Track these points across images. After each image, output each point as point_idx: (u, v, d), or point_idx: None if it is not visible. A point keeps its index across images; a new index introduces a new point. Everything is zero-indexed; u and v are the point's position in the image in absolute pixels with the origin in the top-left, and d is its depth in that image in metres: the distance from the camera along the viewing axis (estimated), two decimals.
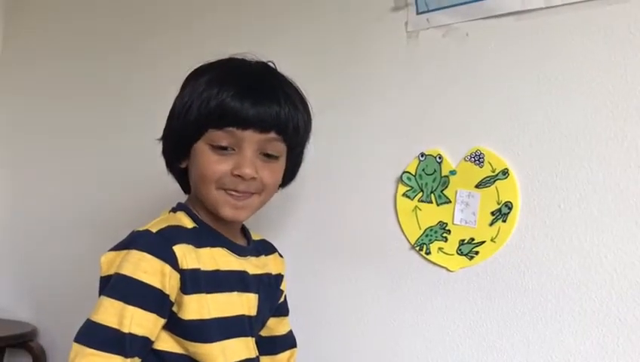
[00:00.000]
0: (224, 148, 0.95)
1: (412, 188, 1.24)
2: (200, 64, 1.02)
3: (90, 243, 1.62)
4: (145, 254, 0.89)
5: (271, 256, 1.14)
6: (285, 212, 1.39)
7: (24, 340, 1.80)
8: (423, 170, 1.23)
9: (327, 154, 1.35)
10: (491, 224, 1.16)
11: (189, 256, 0.93)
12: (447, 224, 1.21)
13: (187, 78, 1.01)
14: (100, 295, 0.90)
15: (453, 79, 1.22)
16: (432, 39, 1.25)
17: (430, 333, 1.22)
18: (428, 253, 1.22)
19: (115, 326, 0.87)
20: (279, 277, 1.14)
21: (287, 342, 1.17)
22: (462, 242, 1.19)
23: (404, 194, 1.25)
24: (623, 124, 1.06)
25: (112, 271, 0.90)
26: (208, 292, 0.95)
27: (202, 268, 0.95)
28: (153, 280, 0.89)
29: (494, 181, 1.16)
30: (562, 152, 1.11)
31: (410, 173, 1.24)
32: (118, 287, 0.88)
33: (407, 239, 1.25)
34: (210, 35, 1.56)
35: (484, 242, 1.16)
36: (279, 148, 0.99)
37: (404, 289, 1.25)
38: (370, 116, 1.31)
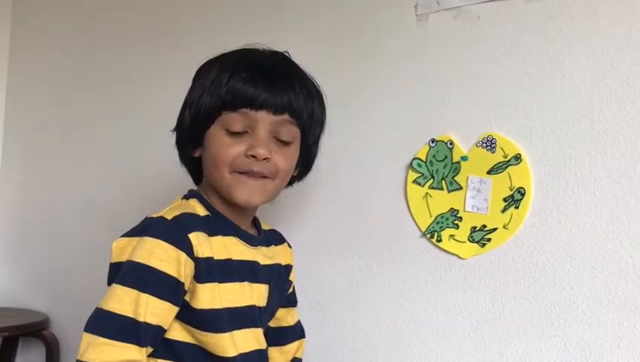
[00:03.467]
0: (238, 133, 0.95)
1: (422, 174, 1.22)
2: (209, 55, 1.02)
3: (104, 233, 1.62)
4: (160, 241, 0.88)
5: (280, 247, 1.13)
6: (295, 199, 1.38)
7: (37, 329, 1.82)
8: (434, 156, 1.21)
9: (337, 141, 1.33)
10: (503, 211, 1.14)
11: (203, 244, 0.92)
12: (458, 211, 1.18)
13: (198, 71, 1.01)
14: (109, 282, 0.89)
15: (465, 63, 1.19)
16: (442, 22, 1.22)
17: (442, 322, 1.20)
18: (439, 241, 1.20)
19: (130, 314, 0.85)
20: (288, 268, 1.14)
21: (295, 332, 1.16)
22: (473, 229, 1.17)
23: (414, 181, 1.23)
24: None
25: (123, 258, 0.89)
26: (221, 281, 0.94)
27: (215, 257, 0.93)
28: (169, 268, 0.88)
29: (507, 167, 1.14)
30: (576, 137, 1.08)
31: (420, 159, 1.22)
32: (133, 275, 0.87)
33: (418, 226, 1.23)
34: (219, 26, 1.55)
35: (496, 229, 1.14)
36: (293, 132, 0.98)
37: (414, 277, 1.23)
38: (380, 101, 1.29)
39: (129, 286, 0.86)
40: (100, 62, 1.83)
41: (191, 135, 0.99)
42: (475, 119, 1.18)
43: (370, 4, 1.31)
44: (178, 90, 1.04)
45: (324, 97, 1.04)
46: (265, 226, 1.11)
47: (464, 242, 1.18)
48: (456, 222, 1.19)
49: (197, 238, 0.91)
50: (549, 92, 1.11)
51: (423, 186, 1.22)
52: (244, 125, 0.94)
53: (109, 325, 0.85)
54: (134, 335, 0.85)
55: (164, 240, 0.88)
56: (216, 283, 0.93)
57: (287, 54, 1.03)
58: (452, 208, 1.19)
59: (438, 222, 1.21)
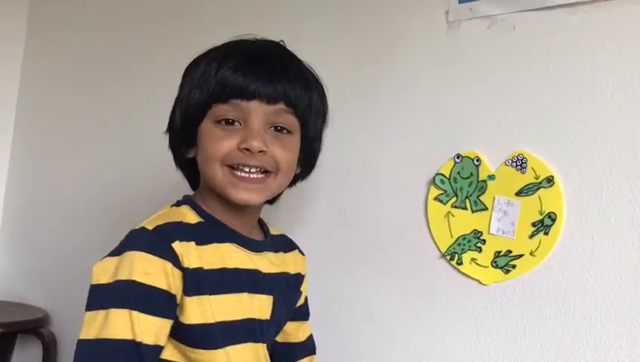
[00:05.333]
0: (230, 123, 0.88)
1: (445, 191, 1.15)
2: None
3: (104, 230, 1.59)
4: (143, 254, 0.81)
5: (291, 254, 1.05)
6: (308, 213, 1.31)
7: (35, 326, 1.77)
8: (459, 172, 1.13)
9: (355, 152, 1.26)
10: (531, 236, 1.06)
11: (190, 253, 0.85)
12: (482, 233, 1.11)
13: (187, 67, 0.95)
14: (88, 307, 0.81)
15: (497, 75, 1.12)
16: (474, 31, 1.15)
17: (458, 351, 1.12)
18: (459, 264, 1.12)
19: (129, 337, 0.78)
20: (299, 277, 1.05)
21: (305, 348, 1.08)
22: (498, 254, 1.09)
23: (436, 198, 1.15)
24: None
25: (104, 280, 0.82)
26: (212, 293, 0.87)
27: (205, 267, 0.86)
28: (157, 281, 0.81)
29: (537, 189, 1.06)
30: (615, 161, 1.00)
31: (444, 175, 1.15)
32: (120, 294, 0.80)
33: (438, 247, 1.15)
34: (228, 18, 1.50)
35: (522, 255, 1.06)
36: (291, 121, 0.91)
37: (432, 300, 1.16)
38: (403, 111, 1.21)
39: (117, 308, 0.79)
40: (110, 65, 1.81)
41: (183, 134, 0.93)
42: (505, 136, 1.10)
43: (399, 7, 1.24)
44: None
45: (324, 88, 0.97)
46: (274, 231, 1.03)
47: (487, 267, 1.10)
48: (479, 244, 1.11)
49: (182, 248, 0.84)
50: (587, 111, 1.03)
51: (445, 204, 1.15)
52: (235, 116, 0.88)
53: (108, 355, 0.78)
54: (138, 360, 0.79)
55: (147, 252, 0.81)
56: (207, 296, 0.86)
57: (282, 43, 0.96)
58: (475, 229, 1.11)
59: (459, 244, 1.13)
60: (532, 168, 1.06)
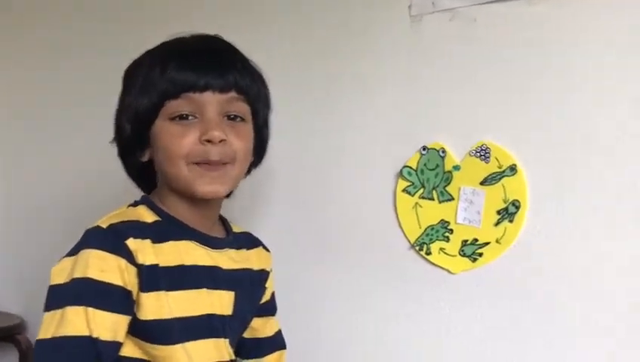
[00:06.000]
0: (185, 118, 0.88)
1: (413, 183, 1.16)
2: None
3: (81, 233, 1.57)
4: (97, 251, 0.82)
5: (254, 250, 1.05)
6: (276, 209, 1.32)
7: (11, 333, 1.75)
8: (425, 164, 1.15)
9: (322, 147, 1.27)
10: (497, 224, 1.08)
11: (145, 250, 0.85)
12: (449, 223, 1.12)
13: (126, 75, 0.95)
14: (46, 307, 0.81)
15: (459, 67, 1.13)
16: (437, 24, 1.16)
17: (430, 340, 1.14)
18: (428, 254, 1.14)
19: (85, 333, 0.79)
20: (263, 274, 1.05)
21: (274, 343, 1.09)
22: (465, 243, 1.11)
23: (404, 190, 1.17)
24: None
25: (61, 280, 0.82)
26: (169, 289, 0.87)
27: (162, 264, 0.87)
28: (112, 278, 0.82)
29: (501, 178, 1.08)
30: (575, 148, 1.02)
31: (411, 167, 1.16)
32: (75, 291, 0.80)
33: (407, 238, 1.17)
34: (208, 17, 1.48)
35: (488, 243, 1.08)
36: (243, 109, 0.92)
37: (402, 291, 1.17)
38: (369, 105, 1.22)
39: (73, 305, 0.79)
40: (76, 63, 1.76)
41: (135, 139, 0.92)
42: (469, 126, 1.12)
43: (362, 1, 1.25)
44: None
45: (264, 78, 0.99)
46: (237, 229, 1.04)
47: (455, 256, 1.12)
48: (446, 234, 1.13)
49: (136, 244, 0.84)
50: (547, 100, 1.05)
51: (412, 196, 1.16)
52: (190, 110, 0.88)
53: (65, 353, 0.78)
54: (95, 356, 0.79)
55: (101, 249, 0.82)
56: (164, 292, 0.86)
57: (219, 37, 0.96)
58: (443, 220, 1.13)
59: (427, 234, 1.14)
60: (495, 157, 1.08)
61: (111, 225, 0.85)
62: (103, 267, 0.81)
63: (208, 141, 0.87)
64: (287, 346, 1.11)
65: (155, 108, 0.88)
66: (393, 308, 1.18)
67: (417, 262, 1.16)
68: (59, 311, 0.80)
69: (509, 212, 1.07)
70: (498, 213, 1.08)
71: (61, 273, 0.82)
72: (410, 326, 1.16)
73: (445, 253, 1.13)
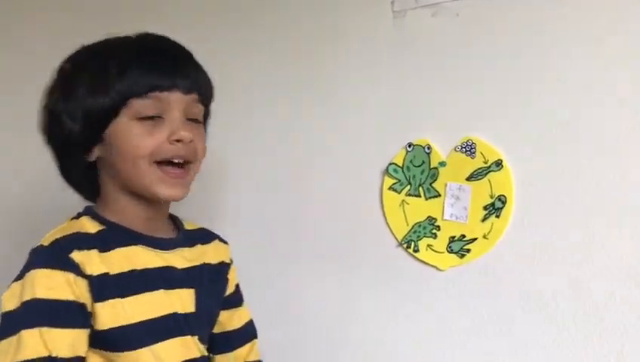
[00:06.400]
0: (150, 118, 0.87)
1: (399, 180, 1.15)
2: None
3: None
4: (43, 270, 0.81)
5: (210, 244, 1.03)
6: (262, 207, 1.31)
7: None
8: (411, 161, 1.14)
9: (307, 146, 1.26)
10: (484, 220, 1.07)
11: (92, 261, 0.84)
12: (436, 219, 1.12)
13: (63, 76, 0.91)
14: (0, 335, 0.80)
15: (443, 63, 1.13)
16: (420, 19, 1.15)
17: (418, 337, 1.14)
18: (416, 251, 1.14)
19: (44, 354, 0.78)
20: (223, 266, 1.04)
21: (244, 335, 1.07)
22: (452, 239, 1.10)
23: (390, 188, 1.16)
24: (632, 114, 0.97)
25: (13, 306, 0.81)
26: (124, 296, 0.86)
27: (112, 272, 0.86)
28: (62, 294, 0.81)
29: (487, 173, 1.07)
30: (561, 142, 1.02)
31: (396, 164, 1.16)
32: (27, 314, 0.79)
33: (394, 236, 1.16)
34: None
35: (475, 239, 1.08)
36: (201, 111, 0.93)
37: (390, 289, 1.17)
38: (353, 103, 1.21)
39: (27, 328, 0.78)
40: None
41: (84, 138, 0.89)
42: (454, 122, 1.11)
43: None
44: None
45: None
46: (190, 226, 1.02)
47: (442, 252, 1.11)
48: (434, 231, 1.12)
49: (82, 256, 0.83)
50: (532, 95, 1.04)
51: (399, 193, 1.16)
52: (156, 110, 0.86)
53: None
54: None
55: (46, 268, 0.81)
56: (119, 299, 0.85)
57: (168, 37, 0.95)
58: (430, 216, 1.13)
59: (415, 231, 1.14)
60: (481, 153, 1.08)
61: (54, 241, 0.84)
62: (50, 284, 0.80)
63: (178, 141, 0.87)
64: (264, 346, 1.09)
65: (114, 107, 0.86)
66: (381, 306, 1.17)
67: (405, 259, 1.15)
68: (14, 337, 0.79)
69: (495, 207, 1.06)
70: (485, 208, 1.07)
71: (12, 299, 0.81)
72: (399, 324, 1.15)
73: (433, 250, 1.12)
